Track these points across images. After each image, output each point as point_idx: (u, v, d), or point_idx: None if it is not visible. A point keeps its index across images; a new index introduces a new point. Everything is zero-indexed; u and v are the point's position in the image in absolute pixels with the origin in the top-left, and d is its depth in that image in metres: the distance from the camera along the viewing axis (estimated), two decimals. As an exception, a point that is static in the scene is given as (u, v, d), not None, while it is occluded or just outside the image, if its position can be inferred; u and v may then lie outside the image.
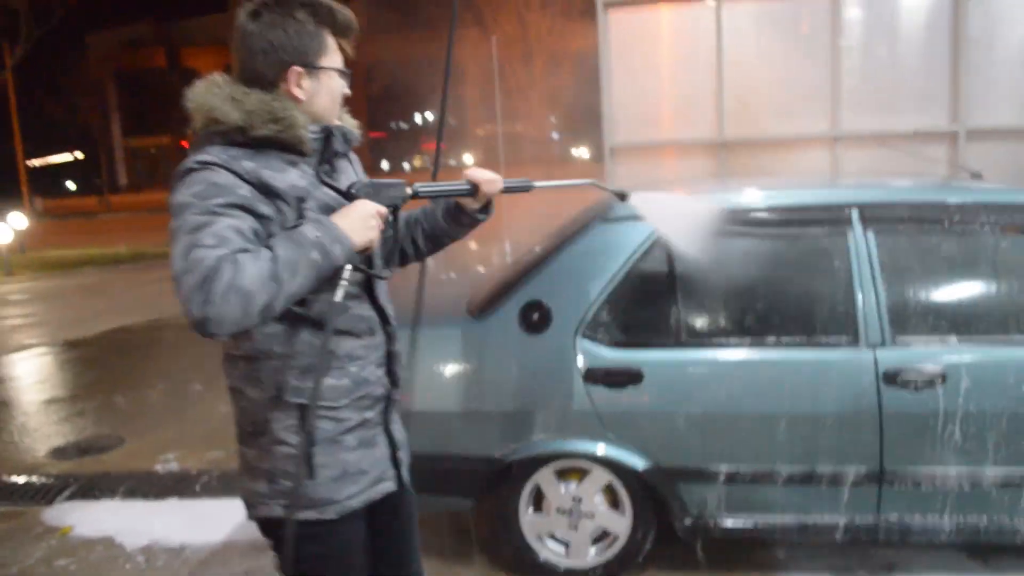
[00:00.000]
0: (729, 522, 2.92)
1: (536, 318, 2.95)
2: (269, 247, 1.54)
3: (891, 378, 2.72)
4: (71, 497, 4.13)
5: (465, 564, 3.24)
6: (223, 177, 1.56)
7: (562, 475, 3.03)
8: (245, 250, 1.51)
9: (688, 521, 2.94)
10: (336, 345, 1.69)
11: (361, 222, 1.65)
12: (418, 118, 47.24)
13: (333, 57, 1.73)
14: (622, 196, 2.11)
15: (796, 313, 2.86)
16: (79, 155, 35.02)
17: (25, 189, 28.05)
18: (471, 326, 3.03)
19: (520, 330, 2.96)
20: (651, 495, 2.96)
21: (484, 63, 19.84)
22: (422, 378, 2.97)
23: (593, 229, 3.02)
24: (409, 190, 1.80)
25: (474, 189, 1.91)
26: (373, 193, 1.72)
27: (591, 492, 3.01)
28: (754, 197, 3.01)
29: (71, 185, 41.70)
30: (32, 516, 3.91)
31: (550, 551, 3.10)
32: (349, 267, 1.64)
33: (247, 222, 1.55)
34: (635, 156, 6.35)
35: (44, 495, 4.19)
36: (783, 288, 2.93)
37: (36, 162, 40.05)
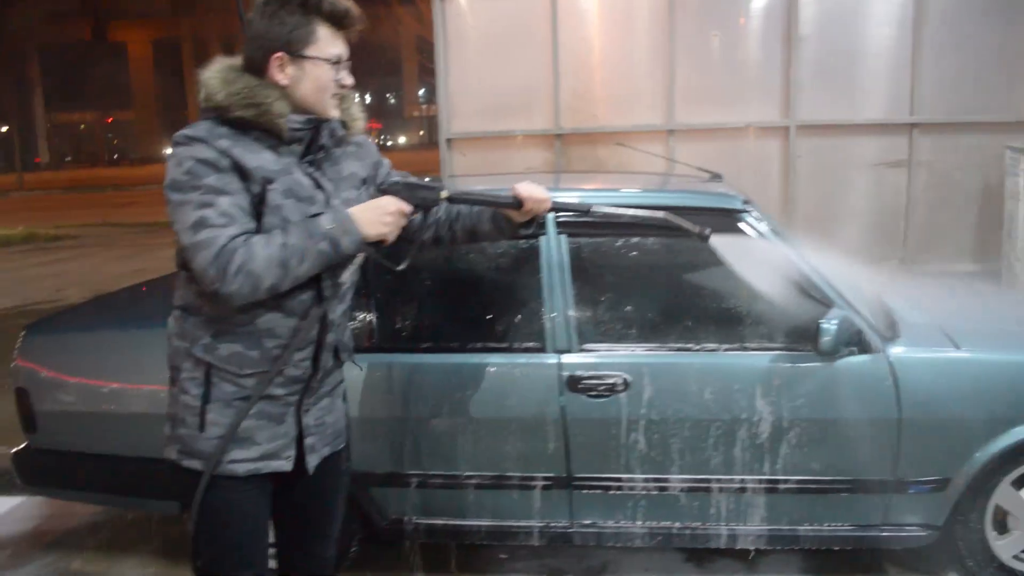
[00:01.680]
0: (426, 524, 2.91)
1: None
2: (283, 231, 1.68)
3: (574, 384, 2.72)
4: None
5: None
6: (207, 152, 1.67)
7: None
8: (254, 231, 1.68)
9: (385, 523, 2.92)
10: (257, 317, 1.75)
11: (378, 217, 1.75)
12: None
13: (324, 47, 1.76)
14: (703, 237, 2.06)
15: (488, 318, 2.84)
16: (7, 130, 33.92)
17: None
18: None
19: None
20: (349, 498, 2.92)
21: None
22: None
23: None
24: (444, 193, 1.86)
25: (517, 203, 1.91)
26: (404, 192, 1.83)
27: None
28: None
29: (-10, 162, 40.45)
30: None
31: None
32: (359, 256, 1.78)
33: (241, 196, 1.69)
34: (472, 147, 6.31)
35: None
36: (477, 293, 2.90)
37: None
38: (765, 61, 5.86)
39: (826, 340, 2.52)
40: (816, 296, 2.67)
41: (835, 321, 2.53)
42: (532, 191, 1.93)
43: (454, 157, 6.34)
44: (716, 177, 3.36)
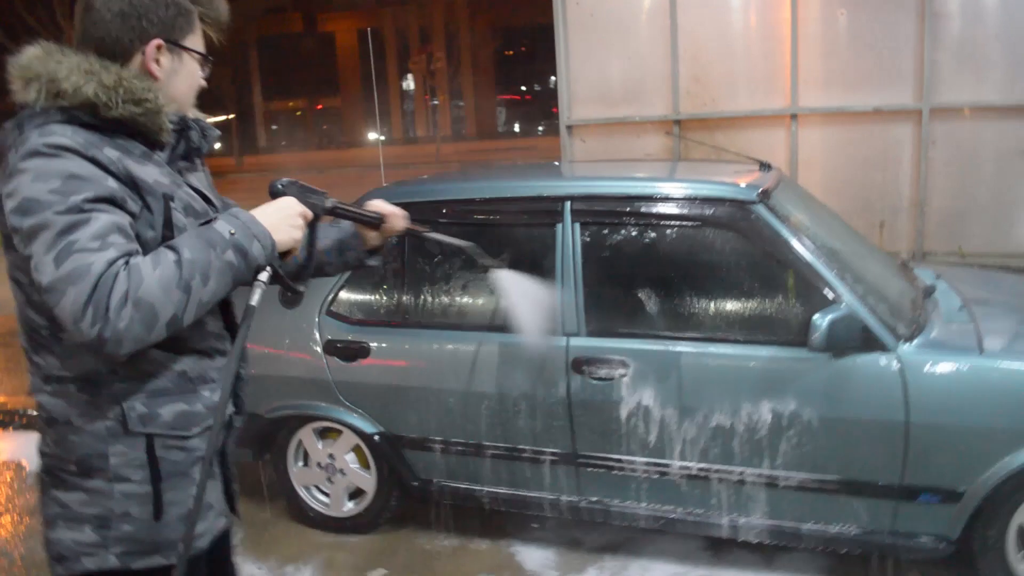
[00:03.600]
0: (450, 487, 3.14)
1: (290, 294, 3.23)
2: (173, 248, 1.35)
3: (578, 366, 2.84)
4: None
5: (263, 507, 3.60)
6: (82, 166, 1.33)
7: (323, 434, 3.34)
8: (137, 252, 1.33)
9: (416, 483, 3.19)
10: (183, 365, 1.50)
11: (285, 219, 1.49)
12: (552, 81, 47.28)
13: (197, 41, 1.54)
14: (486, 268, 2.44)
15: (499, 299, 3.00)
16: (232, 117, 37.61)
17: (169, 149, 30.44)
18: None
19: (280, 304, 3.26)
20: (388, 458, 3.21)
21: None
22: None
23: (345, 213, 3.27)
24: (330, 202, 1.64)
25: (380, 220, 1.80)
26: (297, 193, 1.57)
27: (342, 451, 3.30)
28: (470, 190, 3.19)
29: (216, 145, 44.75)
30: None
31: (317, 501, 3.43)
32: (268, 269, 1.44)
33: (121, 215, 1.35)
34: (591, 133, 6.41)
35: None
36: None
37: (194, 122, 43.19)
38: (896, 39, 5.50)
39: (817, 336, 2.48)
40: (822, 290, 2.62)
41: (830, 316, 2.48)
42: (390, 207, 1.83)
43: (574, 143, 6.47)
44: (765, 167, 3.30)
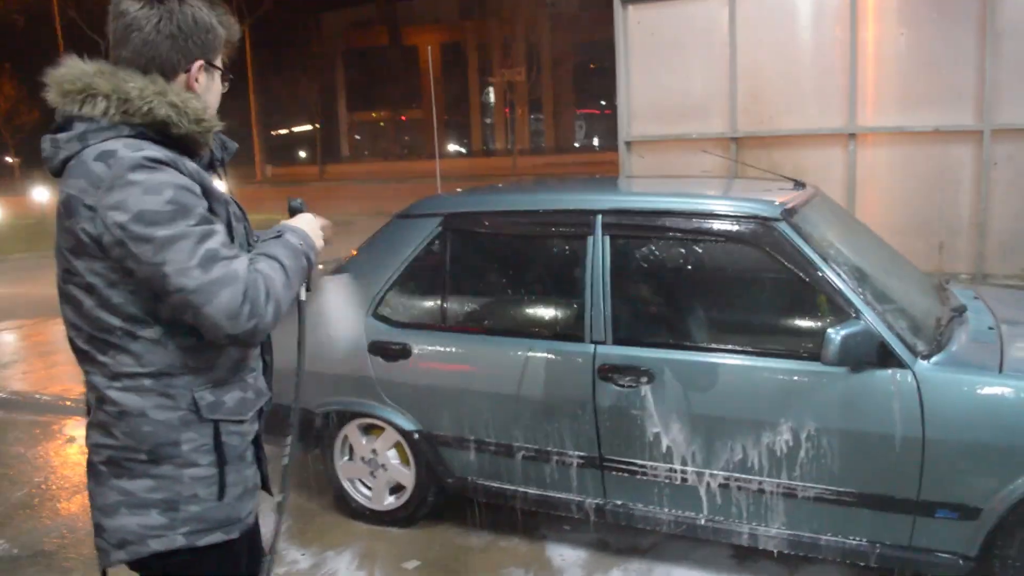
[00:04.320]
0: (484, 486, 3.30)
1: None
2: (273, 256, 1.57)
3: (605, 373, 2.96)
4: None
5: (311, 499, 3.83)
6: (180, 180, 1.48)
7: (368, 430, 3.55)
8: (254, 260, 1.55)
9: (451, 480, 3.36)
10: (237, 356, 1.64)
11: (317, 229, 1.74)
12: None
13: (220, 60, 1.68)
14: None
15: (538, 307, 3.16)
16: (317, 126, 38.90)
17: (257, 157, 31.95)
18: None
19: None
20: (426, 455, 3.39)
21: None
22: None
23: (392, 223, 3.48)
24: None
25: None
26: (309, 210, 1.82)
27: (384, 447, 3.50)
28: (509, 202, 3.35)
29: (303, 154, 46.40)
30: None
31: (360, 494, 3.63)
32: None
33: (222, 224, 1.55)
34: (650, 150, 6.51)
35: None
36: (532, 285, 3.23)
37: (282, 131, 45.05)
38: (957, 59, 5.45)
39: (830, 350, 2.55)
40: (841, 306, 2.69)
41: (844, 331, 2.55)
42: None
43: (632, 159, 6.58)
44: (800, 185, 3.37)
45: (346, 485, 3.63)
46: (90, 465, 1.62)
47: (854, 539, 2.77)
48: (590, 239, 3.07)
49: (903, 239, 5.70)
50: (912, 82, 5.62)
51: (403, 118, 49.90)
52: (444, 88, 47.80)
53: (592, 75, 42.82)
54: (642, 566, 3.19)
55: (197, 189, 1.50)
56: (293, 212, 1.80)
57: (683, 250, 2.99)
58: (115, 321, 1.52)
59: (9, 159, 33.38)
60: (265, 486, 1.85)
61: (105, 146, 1.48)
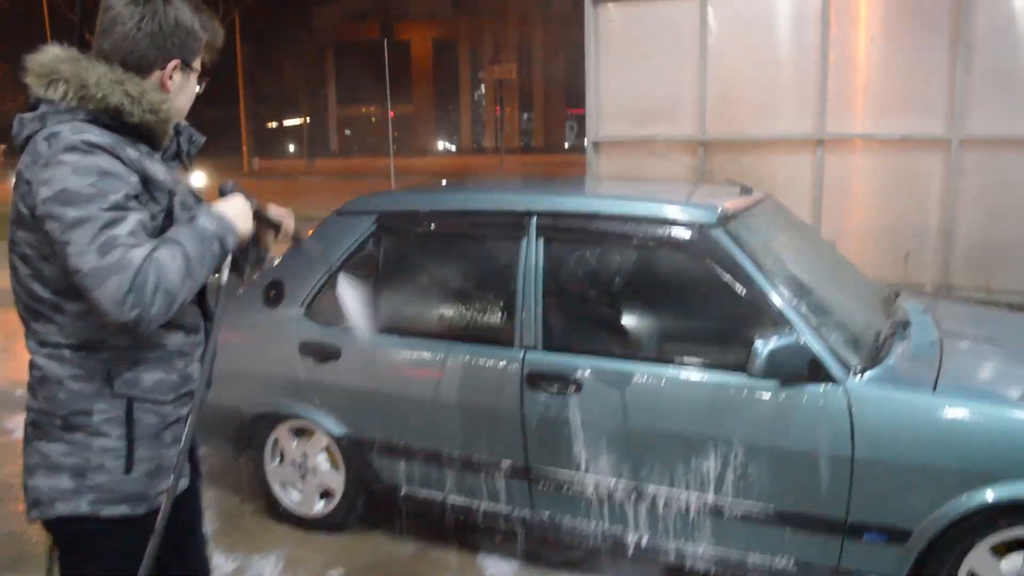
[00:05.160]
0: (411, 493, 3.20)
1: (273, 294, 3.36)
2: (177, 241, 1.56)
3: (533, 380, 2.86)
4: None
5: (242, 502, 3.72)
6: (112, 164, 1.54)
7: (298, 434, 3.44)
8: (156, 247, 1.53)
9: (380, 487, 3.25)
10: (165, 339, 1.69)
11: (243, 213, 1.72)
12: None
13: (198, 62, 1.77)
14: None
15: (469, 309, 3.05)
16: (306, 120, 38.67)
17: (244, 149, 31.72)
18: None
19: (262, 304, 3.38)
20: (355, 460, 3.29)
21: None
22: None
23: (328, 220, 3.37)
24: (255, 204, 1.82)
25: (278, 225, 1.88)
26: (243, 193, 1.78)
27: (314, 451, 3.39)
28: (445, 201, 3.28)
29: (292, 148, 46.17)
30: None
31: (290, 499, 3.52)
32: (230, 256, 1.69)
33: (144, 214, 1.58)
34: (617, 151, 6.41)
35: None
36: (461, 286, 3.13)
37: (272, 124, 44.81)
38: (927, 67, 5.37)
39: (757, 362, 2.46)
40: (773, 317, 2.60)
41: (772, 344, 2.46)
42: (285, 213, 1.89)
43: (600, 161, 6.49)
44: (746, 191, 3.28)
45: (276, 489, 3.52)
46: (24, 426, 1.72)
47: (782, 559, 2.68)
48: (524, 240, 2.97)
49: (869, 248, 5.63)
50: (882, 90, 5.55)
51: (392, 114, 49.69)
52: (435, 85, 47.68)
53: (584, 76, 42.69)
54: (571, 580, 3.10)
55: (131, 178, 1.57)
56: (223, 195, 1.76)
57: (618, 255, 2.90)
58: (45, 292, 1.60)
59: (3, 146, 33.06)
60: (196, 469, 1.91)
61: (55, 128, 1.57)
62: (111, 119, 1.60)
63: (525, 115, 47.71)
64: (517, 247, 2.97)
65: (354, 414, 3.22)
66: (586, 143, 6.48)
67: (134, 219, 1.54)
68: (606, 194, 3.30)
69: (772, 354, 2.45)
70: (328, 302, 3.26)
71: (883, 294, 3.41)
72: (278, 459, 3.50)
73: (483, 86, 44.60)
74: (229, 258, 1.69)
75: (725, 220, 2.78)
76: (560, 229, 2.93)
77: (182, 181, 1.73)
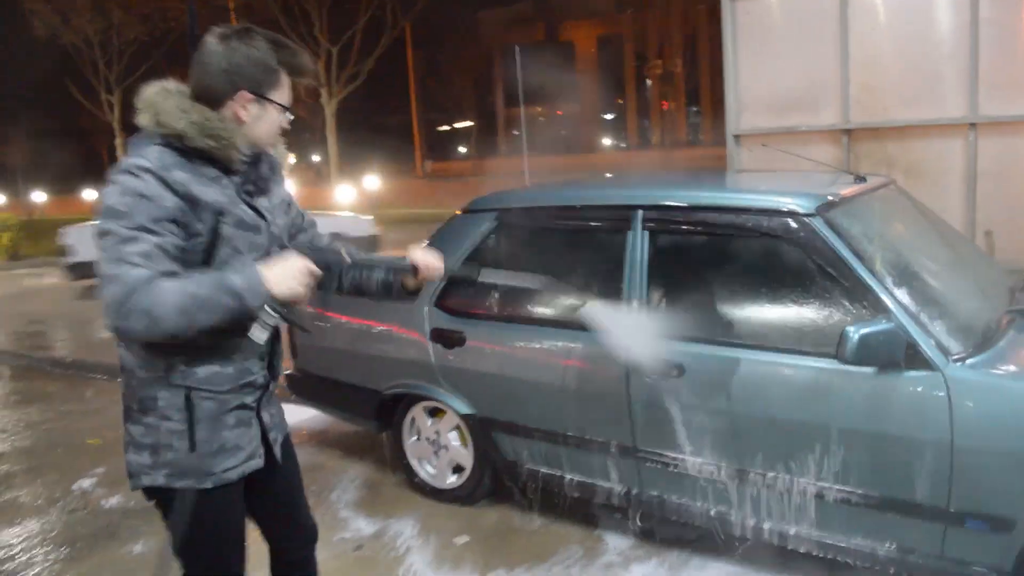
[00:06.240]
0: (531, 469, 3.44)
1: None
2: (193, 281, 1.72)
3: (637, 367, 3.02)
4: None
5: (393, 481, 4.12)
6: (152, 188, 1.74)
7: (433, 413, 3.77)
8: (171, 273, 1.71)
9: (502, 463, 3.52)
10: (224, 339, 1.86)
11: (288, 275, 1.79)
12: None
13: (282, 93, 1.92)
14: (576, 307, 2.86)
15: (580, 298, 3.24)
16: (471, 123, 39.95)
17: (418, 153, 33.27)
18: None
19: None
20: (481, 438, 3.57)
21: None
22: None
23: (455, 217, 3.67)
24: (348, 258, 2.07)
25: (414, 270, 2.13)
26: (312, 253, 1.96)
27: (445, 429, 3.71)
28: (557, 198, 3.50)
29: (462, 149, 47.69)
30: None
31: (425, 472, 3.87)
32: (272, 312, 1.79)
33: (170, 237, 1.75)
34: (759, 143, 6.35)
35: None
36: (573, 277, 3.31)
37: (443, 128, 46.57)
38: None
39: (848, 348, 2.49)
40: (873, 305, 2.62)
41: (864, 329, 2.49)
42: (428, 260, 2.15)
43: (741, 153, 6.46)
44: (860, 179, 3.27)
45: (413, 463, 3.88)
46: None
47: (886, 545, 2.70)
48: (630, 233, 3.13)
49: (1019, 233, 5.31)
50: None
51: (559, 112, 50.34)
52: (600, 82, 47.75)
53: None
54: (679, 559, 3.23)
55: (168, 201, 1.75)
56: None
57: (720, 245, 3.00)
58: None
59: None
60: (270, 452, 2.09)
61: (129, 153, 1.85)
62: (179, 143, 1.80)
63: (693, 109, 46.86)
64: (624, 239, 3.14)
65: (479, 395, 3.50)
66: (727, 136, 6.46)
67: (151, 242, 1.71)
68: (708, 187, 3.39)
69: (863, 339, 2.48)
70: (454, 293, 3.57)
71: (1011, 281, 3.29)
72: (415, 436, 3.86)
73: (648, 81, 44.19)
74: (271, 315, 1.80)
75: (825, 208, 2.82)
76: (663, 222, 3.07)
77: (250, 203, 1.91)
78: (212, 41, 1.86)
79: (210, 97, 1.85)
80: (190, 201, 1.78)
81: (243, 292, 1.74)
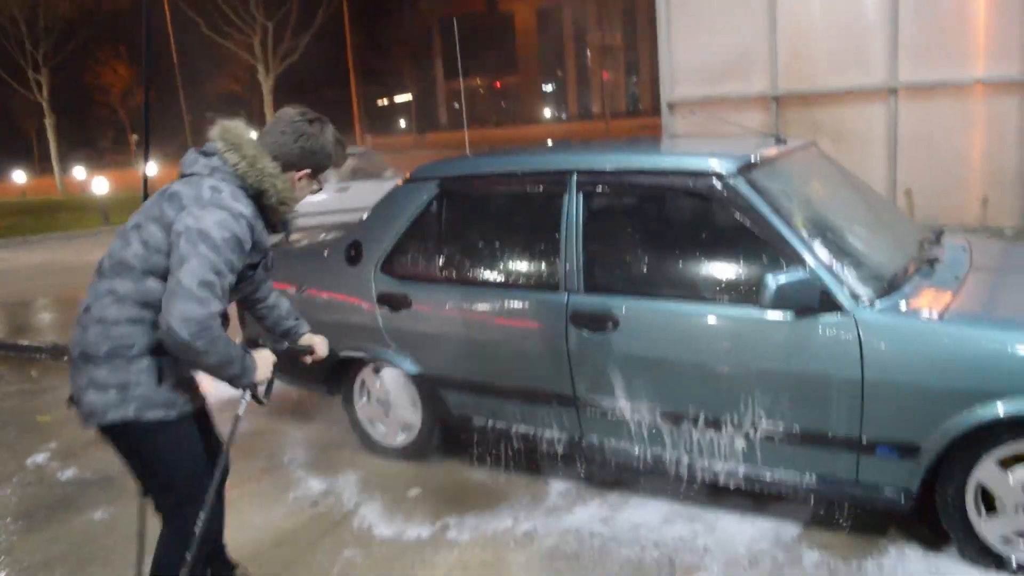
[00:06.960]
0: (478, 423, 3.60)
1: (353, 254, 3.82)
2: (233, 343, 2.19)
3: (576, 319, 3.20)
4: None
5: (344, 442, 4.24)
6: (244, 232, 2.21)
7: (380, 373, 3.90)
8: (226, 327, 2.22)
9: (451, 419, 3.68)
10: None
11: (266, 367, 2.36)
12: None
13: (323, 175, 2.47)
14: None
15: (519, 260, 3.41)
16: (411, 96, 39.69)
17: (357, 127, 33.01)
18: (320, 258, 3.99)
19: (344, 262, 3.85)
20: (429, 395, 3.72)
21: None
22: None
23: (398, 186, 3.79)
24: (284, 347, 2.64)
25: (311, 351, 2.73)
26: (272, 344, 2.54)
27: (395, 389, 3.85)
28: (495, 165, 3.64)
29: (403, 123, 47.41)
30: None
31: (377, 432, 4.00)
32: (248, 393, 2.39)
33: (233, 277, 2.21)
34: (691, 110, 6.57)
35: None
36: (513, 240, 3.47)
37: (382, 102, 46.12)
38: (1005, 10, 5.31)
39: (767, 295, 2.70)
40: (790, 256, 2.83)
41: (781, 278, 2.70)
42: (321, 349, 2.75)
43: (675, 121, 6.67)
44: (780, 141, 3.48)
45: (365, 424, 4.01)
46: (71, 357, 2.30)
47: (806, 475, 2.93)
48: (565, 196, 3.29)
49: (945, 194, 5.64)
50: (955, 34, 5.50)
51: (498, 84, 50.24)
52: (540, 54, 47.78)
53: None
54: (619, 499, 3.43)
55: (248, 244, 2.24)
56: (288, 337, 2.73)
57: (648, 205, 3.18)
58: (139, 264, 2.22)
59: (135, 136, 35.47)
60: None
61: (220, 184, 2.26)
62: (254, 194, 2.29)
63: (633, 79, 47.25)
64: (560, 202, 3.30)
65: (426, 355, 3.64)
66: (661, 104, 6.66)
67: (230, 279, 2.19)
68: (638, 152, 3.56)
69: (781, 287, 2.69)
70: (399, 258, 3.69)
71: (922, 235, 3.54)
72: (365, 397, 3.99)
73: (588, 52, 44.37)
74: (247, 392, 2.39)
75: (745, 169, 3.02)
76: (597, 184, 3.24)
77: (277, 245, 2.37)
78: (298, 119, 2.34)
79: (284, 163, 2.33)
80: (259, 250, 2.31)
81: (242, 373, 2.23)
